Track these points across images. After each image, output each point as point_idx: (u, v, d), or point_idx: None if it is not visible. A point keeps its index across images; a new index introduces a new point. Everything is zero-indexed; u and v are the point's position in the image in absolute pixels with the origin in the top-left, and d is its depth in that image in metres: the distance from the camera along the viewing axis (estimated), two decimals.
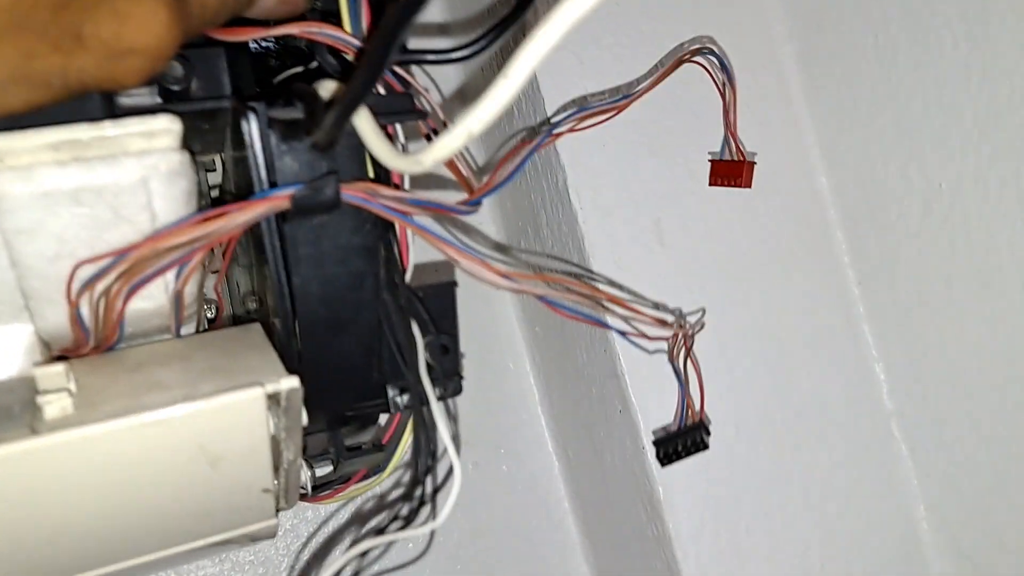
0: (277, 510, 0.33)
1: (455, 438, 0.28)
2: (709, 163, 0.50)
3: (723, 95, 0.47)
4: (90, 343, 0.30)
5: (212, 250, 0.30)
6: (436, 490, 0.29)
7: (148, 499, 0.27)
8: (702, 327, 0.46)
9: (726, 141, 0.49)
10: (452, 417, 0.32)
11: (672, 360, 0.43)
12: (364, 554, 0.32)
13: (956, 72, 0.46)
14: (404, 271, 0.31)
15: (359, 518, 0.51)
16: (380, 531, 0.29)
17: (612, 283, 0.48)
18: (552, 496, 0.62)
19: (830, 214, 0.56)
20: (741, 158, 0.48)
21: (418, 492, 0.30)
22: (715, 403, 0.48)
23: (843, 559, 0.52)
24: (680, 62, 0.46)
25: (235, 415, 0.26)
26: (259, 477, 0.29)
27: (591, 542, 0.61)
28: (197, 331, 0.34)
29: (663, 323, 0.40)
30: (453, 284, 0.32)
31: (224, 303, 0.42)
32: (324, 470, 0.38)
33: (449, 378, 0.31)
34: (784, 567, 0.50)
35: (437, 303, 0.31)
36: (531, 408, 0.63)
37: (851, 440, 0.53)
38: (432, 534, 0.37)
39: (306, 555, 0.52)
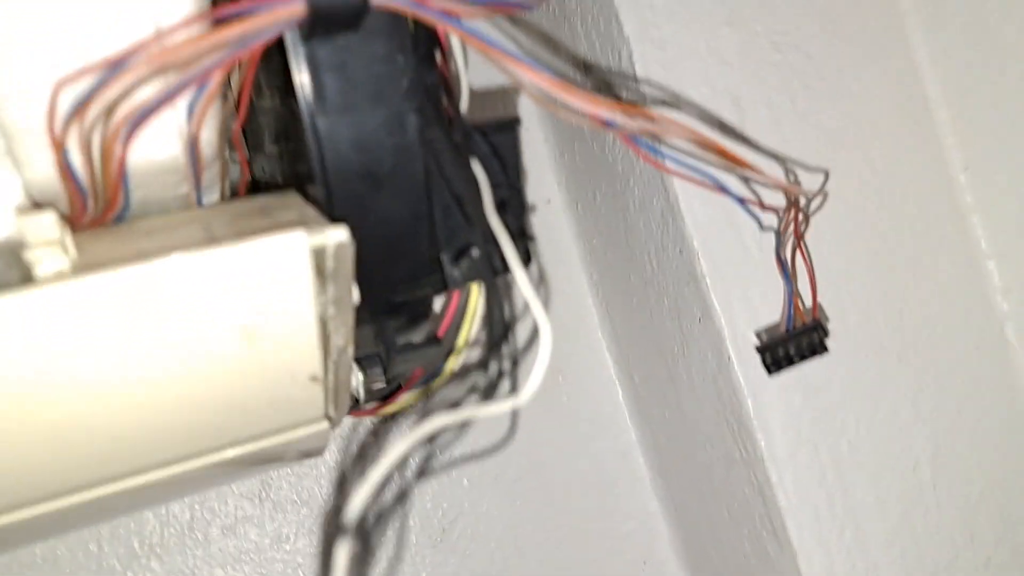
0: (327, 417, 0.28)
1: (537, 295, 0.22)
2: None
3: None
4: (89, 208, 0.24)
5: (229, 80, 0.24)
6: (516, 360, 0.23)
7: (169, 381, 0.22)
8: (825, 197, 0.38)
9: None
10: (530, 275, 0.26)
11: (780, 248, 0.37)
12: (433, 438, 0.26)
13: None
14: (457, 100, 0.24)
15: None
16: (455, 405, 0.23)
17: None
18: (617, 426, 0.57)
19: (931, 91, 0.48)
20: None
21: (494, 366, 0.24)
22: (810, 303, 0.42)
23: (957, 477, 0.46)
24: None
25: (273, 269, 0.20)
26: (306, 359, 0.23)
27: (661, 474, 0.55)
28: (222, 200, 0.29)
29: (781, 186, 0.34)
30: (517, 121, 0.25)
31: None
32: (377, 377, 0.32)
33: (517, 240, 0.25)
34: (892, 486, 0.44)
35: (498, 146, 0.25)
36: (590, 332, 0.57)
37: (962, 346, 0.47)
38: (515, 415, 0.32)
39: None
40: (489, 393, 0.25)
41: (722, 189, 0.32)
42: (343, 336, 0.25)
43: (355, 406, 0.32)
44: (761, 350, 0.38)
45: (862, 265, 0.45)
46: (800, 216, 0.35)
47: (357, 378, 0.30)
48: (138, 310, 0.20)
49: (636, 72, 0.43)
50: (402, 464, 0.49)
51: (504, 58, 0.22)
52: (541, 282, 0.56)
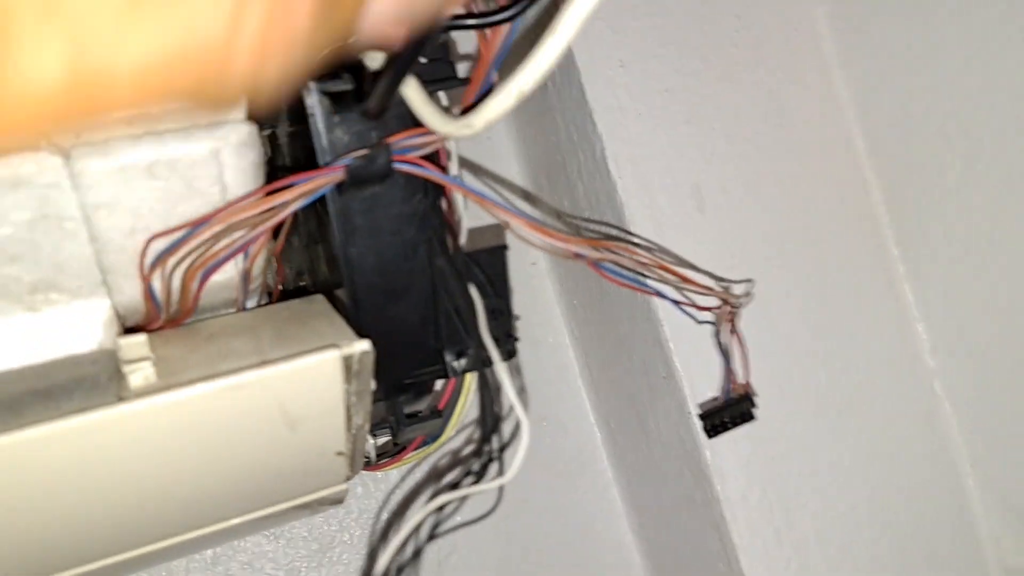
0: (347, 478, 0.34)
1: (521, 394, 0.28)
2: None
3: None
4: (162, 317, 0.31)
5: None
6: (503, 447, 0.30)
7: (231, 462, 0.28)
8: (750, 299, 0.46)
9: None
10: (515, 375, 0.32)
11: (718, 333, 0.44)
12: (441, 508, 0.33)
13: (993, 28, 0.45)
14: (458, 236, 0.31)
15: (429, 477, 0.52)
16: (454, 486, 0.30)
17: (659, 249, 0.48)
18: (596, 466, 0.63)
19: (868, 175, 0.55)
20: None
21: (487, 449, 0.31)
22: (759, 365, 0.49)
23: (891, 516, 0.52)
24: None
25: (314, 377, 0.27)
26: (335, 439, 0.29)
27: (636, 511, 0.61)
28: (259, 304, 0.35)
29: (713, 292, 0.41)
30: (504, 248, 0.32)
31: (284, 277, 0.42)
32: (383, 439, 0.38)
33: (504, 341, 0.32)
34: (832, 525, 0.51)
35: (490, 267, 0.31)
36: (572, 381, 0.64)
37: (895, 400, 0.53)
38: (501, 490, 0.38)
39: (364, 525, 0.53)
40: (484, 469, 0.31)
41: (661, 296, 0.39)
42: (362, 416, 0.31)
43: (368, 463, 0.38)
44: (702, 417, 0.45)
45: (804, 331, 0.52)
46: (731, 310, 0.42)
47: (371, 443, 0.37)
48: (210, 413, 0.26)
49: (608, 164, 0.50)
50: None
51: (493, 208, 0.29)
52: (525, 339, 0.62)
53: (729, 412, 0.44)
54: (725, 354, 0.44)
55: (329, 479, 0.31)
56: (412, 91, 0.27)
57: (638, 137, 0.51)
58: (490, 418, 0.30)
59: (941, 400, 0.55)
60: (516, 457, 0.28)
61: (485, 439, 0.31)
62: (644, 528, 0.61)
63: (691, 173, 0.52)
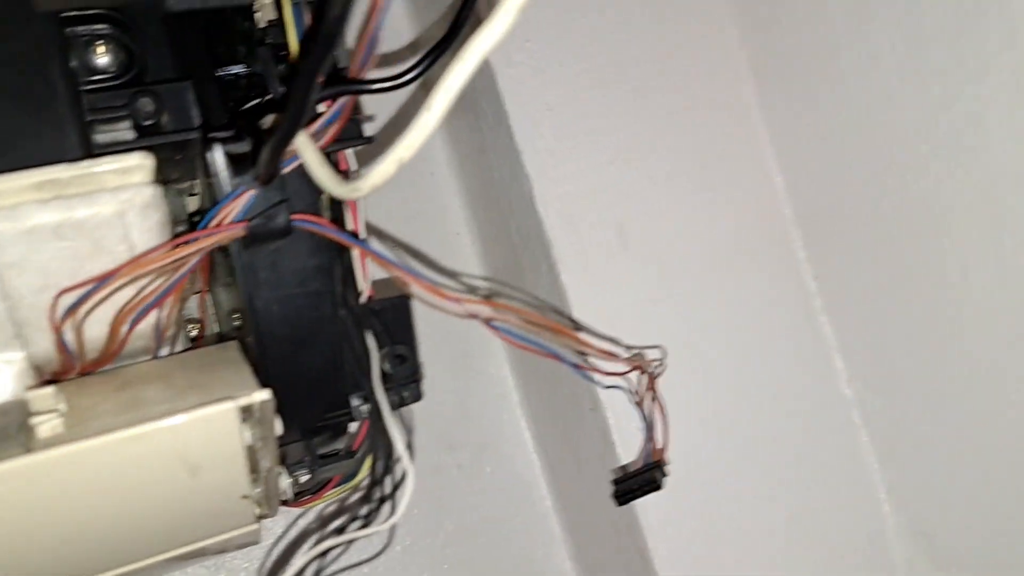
0: (260, 517, 0.35)
1: (409, 443, 0.30)
2: None
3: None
4: (76, 366, 0.32)
5: (195, 272, 0.33)
6: (396, 489, 0.32)
7: (135, 508, 0.29)
8: (663, 369, 0.47)
9: None
10: (407, 423, 0.34)
11: (639, 402, 0.45)
12: (325, 553, 0.34)
13: (898, 72, 0.48)
14: (359, 290, 0.33)
15: (324, 520, 0.54)
16: (340, 530, 0.31)
17: (559, 312, 0.50)
18: (535, 494, 0.64)
19: (785, 210, 0.58)
20: None
21: (377, 493, 0.32)
22: (677, 395, 0.51)
23: (810, 541, 0.54)
24: None
25: (210, 427, 0.28)
26: (237, 484, 0.31)
27: (573, 537, 0.63)
28: (174, 351, 0.37)
29: (616, 358, 0.43)
30: (407, 298, 0.34)
31: (208, 321, 0.44)
32: (304, 477, 0.40)
33: (407, 385, 0.33)
34: (752, 550, 0.53)
35: (393, 316, 0.33)
36: (512, 410, 0.65)
37: (814, 429, 0.56)
38: (393, 530, 0.39)
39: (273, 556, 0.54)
40: (371, 514, 0.33)
41: (559, 358, 0.41)
42: (270, 459, 0.33)
43: (287, 501, 0.40)
44: (614, 483, 0.46)
45: (723, 364, 0.54)
46: (648, 378, 0.44)
47: (286, 482, 0.38)
48: (113, 462, 0.27)
49: (535, 204, 0.52)
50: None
51: (388, 267, 0.30)
52: (467, 369, 0.64)
53: (638, 479, 0.45)
54: (646, 419, 0.46)
55: (237, 520, 0.33)
56: (309, 154, 0.29)
57: (565, 177, 0.53)
58: (380, 462, 0.32)
59: (859, 428, 0.57)
60: (403, 500, 0.30)
61: (375, 482, 0.32)
62: (580, 554, 0.63)
63: (616, 211, 0.54)
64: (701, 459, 0.52)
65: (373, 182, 0.27)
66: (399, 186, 0.65)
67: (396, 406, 0.35)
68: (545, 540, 0.64)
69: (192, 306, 0.44)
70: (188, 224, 0.40)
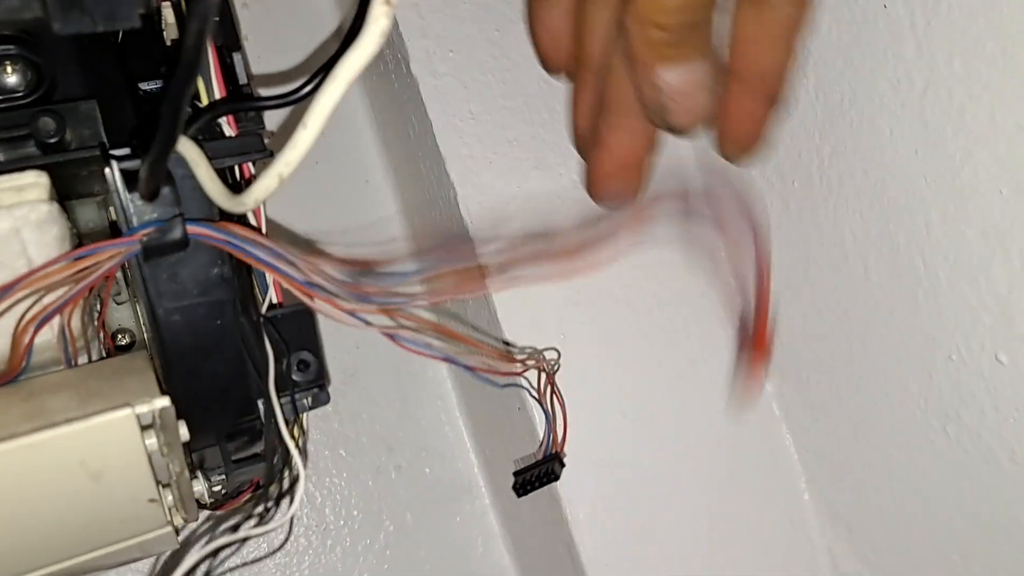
0: (184, 520, 0.37)
1: (302, 447, 0.31)
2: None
3: None
4: None
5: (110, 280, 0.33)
6: (293, 485, 0.33)
7: (40, 513, 0.30)
8: (558, 368, 0.49)
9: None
10: (303, 428, 0.36)
11: (540, 396, 0.47)
12: (216, 552, 0.35)
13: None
14: (259, 300, 0.34)
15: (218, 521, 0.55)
16: (235, 528, 0.33)
17: (475, 328, 0.52)
18: (474, 492, 0.66)
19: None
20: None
21: (272, 493, 0.33)
22: (598, 390, 0.52)
23: (735, 527, 0.56)
24: None
25: (110, 434, 0.29)
26: (143, 488, 0.32)
27: (510, 533, 0.65)
28: (90, 360, 0.37)
29: (513, 359, 0.44)
30: (306, 307, 0.35)
31: (137, 331, 0.45)
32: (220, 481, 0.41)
33: (310, 389, 0.35)
34: (674, 539, 0.55)
35: (295, 324, 0.34)
36: (450, 411, 0.67)
37: (735, 422, 0.58)
38: (291, 525, 0.40)
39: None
40: (265, 514, 0.34)
41: (452, 362, 0.42)
42: (178, 464, 0.34)
43: (208, 504, 0.41)
44: (515, 475, 0.48)
45: (643, 356, 0.56)
46: (547, 376, 0.46)
47: (203, 486, 0.39)
48: (10, 472, 0.28)
49: (460, 210, 0.54)
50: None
51: (279, 277, 0.32)
52: (404, 372, 0.65)
53: (537, 471, 0.47)
54: (547, 416, 0.47)
55: (148, 524, 0.34)
56: (200, 169, 0.30)
57: (489, 184, 0.55)
58: (273, 464, 0.33)
59: (779, 421, 0.59)
60: (294, 506, 0.31)
61: (269, 482, 0.33)
62: (518, 548, 0.64)
63: (541, 216, 0.55)
64: (626, 453, 0.54)
65: (256, 196, 0.28)
66: (337, 194, 0.66)
67: (303, 410, 0.36)
68: (484, 537, 0.65)
69: (125, 315, 0.45)
70: (112, 234, 0.41)
